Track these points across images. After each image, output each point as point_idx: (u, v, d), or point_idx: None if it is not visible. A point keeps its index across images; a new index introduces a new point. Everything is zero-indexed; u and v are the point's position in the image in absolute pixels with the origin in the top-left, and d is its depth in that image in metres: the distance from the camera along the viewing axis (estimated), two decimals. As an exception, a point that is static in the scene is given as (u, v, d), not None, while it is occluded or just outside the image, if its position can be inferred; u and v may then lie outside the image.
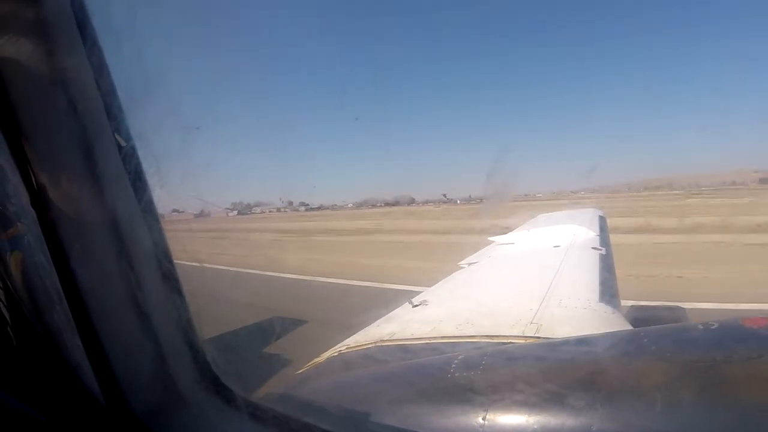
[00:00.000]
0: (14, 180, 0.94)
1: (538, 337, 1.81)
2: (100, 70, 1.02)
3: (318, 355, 1.93)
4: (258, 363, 4.95)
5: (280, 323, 7.24)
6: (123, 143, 1.07)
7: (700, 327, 1.22)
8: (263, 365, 4.85)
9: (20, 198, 0.95)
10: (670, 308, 3.40)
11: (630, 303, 2.99)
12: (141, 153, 1.11)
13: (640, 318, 2.37)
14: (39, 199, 0.94)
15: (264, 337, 6.21)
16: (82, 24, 0.99)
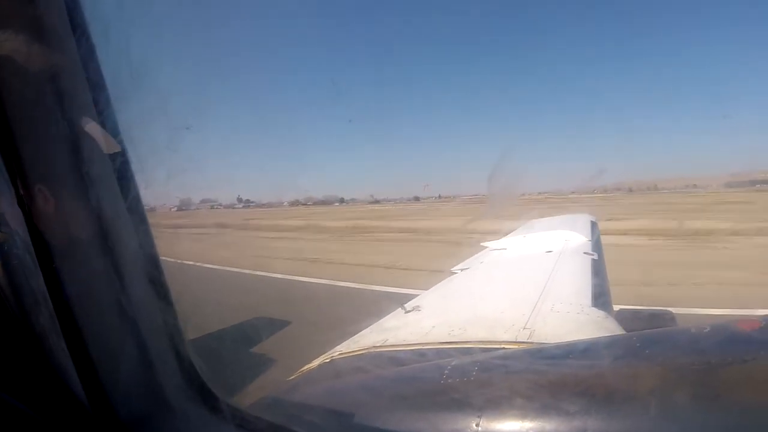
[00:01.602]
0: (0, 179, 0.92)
1: (531, 343, 1.80)
2: (90, 65, 1.01)
3: (309, 362, 1.91)
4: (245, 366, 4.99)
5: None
6: (112, 140, 1.05)
7: (693, 330, 1.22)
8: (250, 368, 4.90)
9: (7, 197, 0.93)
10: (659, 312, 3.43)
11: (617, 307, 3.01)
12: (128, 150, 1.09)
13: (627, 321, 2.37)
14: (25, 198, 0.92)
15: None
16: (73, 17, 0.98)
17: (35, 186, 0.93)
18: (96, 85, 1.02)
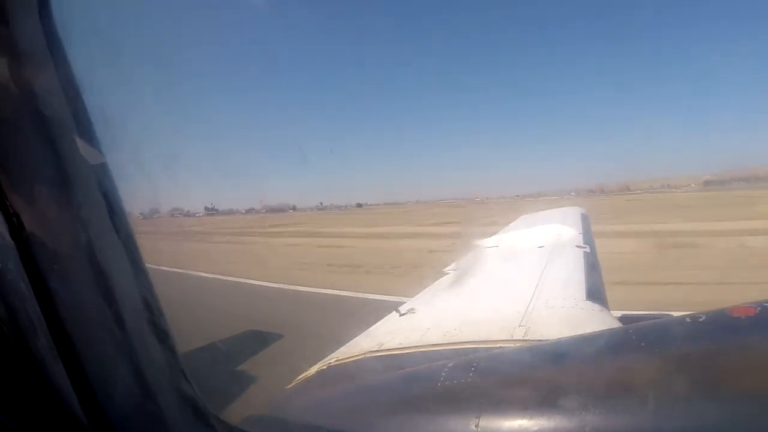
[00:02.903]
0: None
1: (527, 340, 1.79)
2: (71, 91, 1.01)
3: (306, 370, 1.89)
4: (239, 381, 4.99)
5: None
6: (97, 161, 1.05)
7: (688, 320, 1.21)
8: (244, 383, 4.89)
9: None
10: (659, 317, 3.45)
11: (618, 313, 3.05)
12: (113, 172, 1.10)
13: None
14: (17, 228, 0.92)
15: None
16: (52, 43, 0.98)
17: (26, 215, 0.92)
18: (79, 110, 1.02)
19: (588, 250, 3.72)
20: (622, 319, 2.64)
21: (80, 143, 1.02)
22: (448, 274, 3.77)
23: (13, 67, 0.91)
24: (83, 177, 1.03)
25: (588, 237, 4.30)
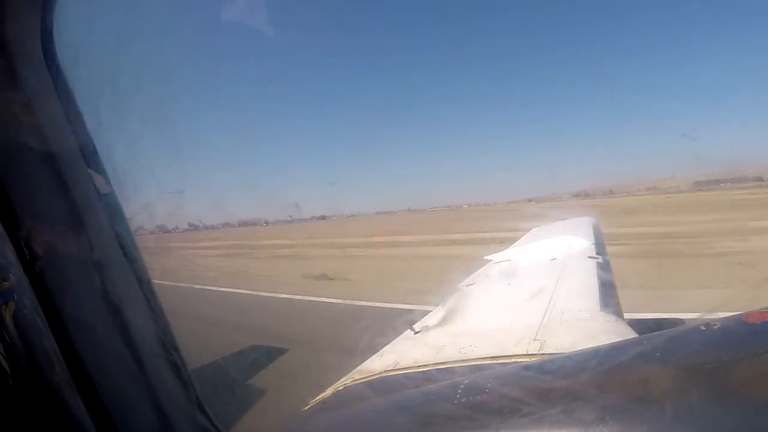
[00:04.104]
0: (2, 241, 0.94)
1: (543, 354, 1.78)
2: (76, 122, 1.04)
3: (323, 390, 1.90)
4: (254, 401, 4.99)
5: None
6: (105, 190, 1.09)
7: (703, 328, 1.20)
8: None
9: (8, 253, 0.95)
10: (670, 321, 3.39)
11: (628, 317, 3.03)
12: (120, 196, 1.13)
13: (636, 330, 2.36)
14: (31, 266, 0.94)
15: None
16: (55, 74, 1.01)
17: (39, 253, 0.95)
18: (85, 142, 1.06)
19: (601, 260, 3.69)
20: (632, 323, 2.61)
21: (88, 174, 1.05)
22: (461, 289, 3.76)
23: (15, 98, 0.94)
24: (93, 209, 1.05)
25: (600, 247, 4.26)
